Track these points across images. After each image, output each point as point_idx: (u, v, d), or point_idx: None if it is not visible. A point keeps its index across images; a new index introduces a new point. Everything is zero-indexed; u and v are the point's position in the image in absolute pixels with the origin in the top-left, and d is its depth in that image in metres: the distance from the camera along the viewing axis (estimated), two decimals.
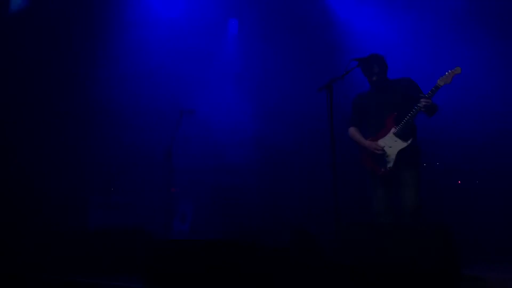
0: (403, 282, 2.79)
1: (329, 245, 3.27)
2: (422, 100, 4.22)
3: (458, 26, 6.69)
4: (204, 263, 2.82)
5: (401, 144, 4.33)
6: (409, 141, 4.33)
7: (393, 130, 4.38)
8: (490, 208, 5.64)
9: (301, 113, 7.24)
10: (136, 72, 7.77)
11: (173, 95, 7.60)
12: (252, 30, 8.49)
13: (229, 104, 8.02)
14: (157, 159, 5.87)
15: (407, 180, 4.29)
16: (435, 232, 2.88)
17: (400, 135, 4.33)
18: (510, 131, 6.13)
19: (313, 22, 8.06)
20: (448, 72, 4.28)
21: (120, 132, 7.53)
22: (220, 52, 8.69)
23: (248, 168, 7.67)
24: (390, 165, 4.35)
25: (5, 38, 7.07)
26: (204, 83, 8.13)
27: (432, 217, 5.80)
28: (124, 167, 7.44)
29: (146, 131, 7.47)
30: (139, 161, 7.44)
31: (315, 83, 4.10)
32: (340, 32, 7.80)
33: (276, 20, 8.37)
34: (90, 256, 4.14)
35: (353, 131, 4.70)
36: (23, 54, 7.14)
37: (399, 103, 4.40)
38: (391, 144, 4.38)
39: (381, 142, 4.43)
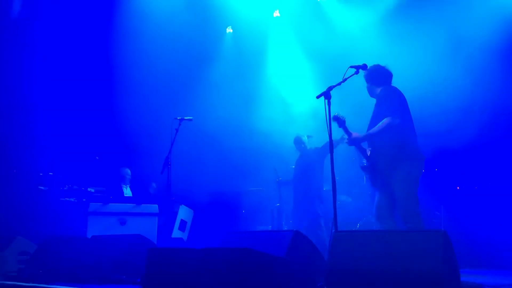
0: None
1: (325, 252, 3.27)
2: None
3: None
4: (203, 271, 2.82)
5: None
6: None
7: None
8: (488, 214, 5.66)
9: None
10: (134, 81, 7.81)
11: (171, 103, 7.64)
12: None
13: (225, 113, 8.05)
14: (155, 165, 5.88)
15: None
16: (433, 238, 2.89)
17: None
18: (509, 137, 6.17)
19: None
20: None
21: (119, 139, 7.56)
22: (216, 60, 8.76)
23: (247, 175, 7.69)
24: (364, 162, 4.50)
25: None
26: (203, 92, 8.18)
27: (430, 222, 5.82)
28: (124, 173, 7.47)
29: (145, 138, 7.50)
30: (139, 168, 7.46)
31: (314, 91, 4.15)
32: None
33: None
34: (88, 264, 4.12)
35: None
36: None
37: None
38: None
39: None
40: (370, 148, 4.55)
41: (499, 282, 3.80)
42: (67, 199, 6.79)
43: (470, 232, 5.49)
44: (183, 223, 7.16)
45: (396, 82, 5.09)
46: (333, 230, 3.49)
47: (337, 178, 3.83)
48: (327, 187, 6.51)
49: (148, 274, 3.07)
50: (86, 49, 7.81)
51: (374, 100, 4.67)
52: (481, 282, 3.65)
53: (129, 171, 7.38)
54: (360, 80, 4.48)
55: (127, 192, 7.39)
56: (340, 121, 4.70)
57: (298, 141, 6.86)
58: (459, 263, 2.97)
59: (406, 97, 4.54)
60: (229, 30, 9.17)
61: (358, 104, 5.23)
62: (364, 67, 4.20)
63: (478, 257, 5.22)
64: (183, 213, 7.20)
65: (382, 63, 4.63)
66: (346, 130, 4.58)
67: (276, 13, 8.99)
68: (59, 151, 7.37)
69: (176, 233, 7.00)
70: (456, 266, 2.95)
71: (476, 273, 4.49)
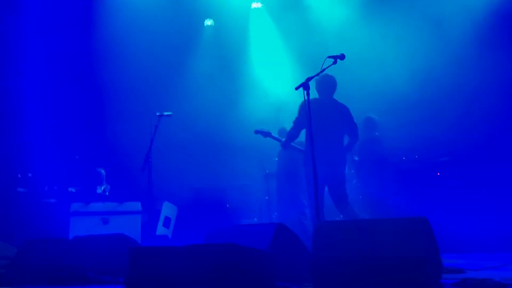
0: (384, 275, 2.82)
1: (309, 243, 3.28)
2: None
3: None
4: (186, 268, 2.80)
5: None
6: None
7: None
8: (468, 199, 5.75)
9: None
10: (112, 77, 7.69)
11: (150, 99, 7.55)
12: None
13: (206, 107, 7.99)
14: (136, 163, 5.81)
15: None
16: (414, 225, 2.92)
17: None
18: (487, 124, 6.25)
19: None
20: None
21: (98, 137, 7.45)
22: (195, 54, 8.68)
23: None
24: None
25: None
26: (182, 86, 8.09)
27: (412, 208, 5.90)
28: (106, 172, 7.37)
29: (125, 135, 7.40)
30: (119, 166, 7.37)
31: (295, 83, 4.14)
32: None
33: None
34: (70, 265, 4.06)
35: None
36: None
37: None
38: None
39: None
40: None
41: (480, 265, 3.87)
42: (48, 200, 6.67)
43: (451, 217, 5.57)
44: (167, 220, 7.10)
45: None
46: (317, 221, 3.49)
47: None
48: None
49: (131, 274, 3.03)
50: (62, 47, 7.65)
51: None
52: (463, 266, 3.71)
53: (103, 171, 7.28)
54: (338, 70, 4.49)
55: (102, 192, 7.29)
56: (264, 133, 5.74)
57: (282, 133, 6.88)
58: (441, 249, 3.00)
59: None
60: (208, 22, 9.07)
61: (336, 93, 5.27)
62: (341, 57, 4.19)
63: (459, 242, 5.31)
64: (167, 209, 7.15)
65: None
66: (275, 138, 5.74)
67: (256, 5, 8.93)
68: (37, 151, 7.23)
69: (160, 230, 6.94)
70: (437, 252, 2.98)
71: (458, 258, 4.56)
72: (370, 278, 2.86)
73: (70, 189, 6.95)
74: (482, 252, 5.11)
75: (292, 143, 5.43)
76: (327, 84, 5.07)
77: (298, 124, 5.15)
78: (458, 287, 2.79)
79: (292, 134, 5.27)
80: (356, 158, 6.67)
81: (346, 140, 5.28)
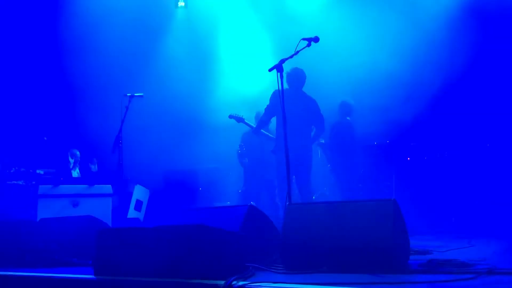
0: (353, 257, 2.85)
1: (279, 226, 3.29)
2: None
3: None
4: (155, 249, 2.76)
5: None
6: None
7: None
8: (436, 182, 5.88)
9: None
10: (83, 58, 7.50)
11: (121, 80, 7.40)
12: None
13: (178, 89, 7.88)
14: (106, 144, 5.69)
15: None
16: (383, 207, 2.95)
17: None
18: (457, 110, 6.37)
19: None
20: None
21: (68, 118, 7.28)
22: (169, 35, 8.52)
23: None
24: None
25: None
26: (153, 68, 7.95)
27: (381, 191, 6.00)
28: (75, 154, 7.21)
29: (95, 116, 7.25)
30: (89, 147, 7.23)
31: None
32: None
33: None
34: (37, 247, 3.96)
35: None
36: None
37: None
38: None
39: None
40: None
41: (446, 246, 3.96)
42: (15, 182, 6.49)
43: (420, 200, 5.69)
44: (139, 203, 7.02)
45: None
46: (287, 203, 3.50)
47: None
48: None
49: (99, 256, 2.98)
50: (31, 28, 7.38)
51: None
52: (430, 247, 3.79)
53: (78, 153, 7.13)
54: (312, 52, 4.46)
55: (76, 174, 7.14)
56: (237, 119, 6.07)
57: (258, 117, 6.86)
58: (409, 231, 3.05)
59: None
60: (181, 4, 8.90)
61: (309, 76, 5.28)
62: (316, 39, 4.16)
63: (427, 224, 5.43)
64: (139, 192, 7.05)
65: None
66: (247, 124, 6.05)
67: None
68: (3, 132, 7.01)
69: (132, 213, 6.86)
70: (405, 234, 3.03)
71: (426, 239, 4.66)
72: (339, 259, 2.89)
73: (38, 171, 6.77)
74: (449, 234, 5.24)
75: (263, 131, 5.63)
76: (297, 77, 5.23)
77: (268, 112, 5.33)
78: (424, 268, 2.84)
79: (263, 121, 5.46)
80: (323, 141, 6.72)
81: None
